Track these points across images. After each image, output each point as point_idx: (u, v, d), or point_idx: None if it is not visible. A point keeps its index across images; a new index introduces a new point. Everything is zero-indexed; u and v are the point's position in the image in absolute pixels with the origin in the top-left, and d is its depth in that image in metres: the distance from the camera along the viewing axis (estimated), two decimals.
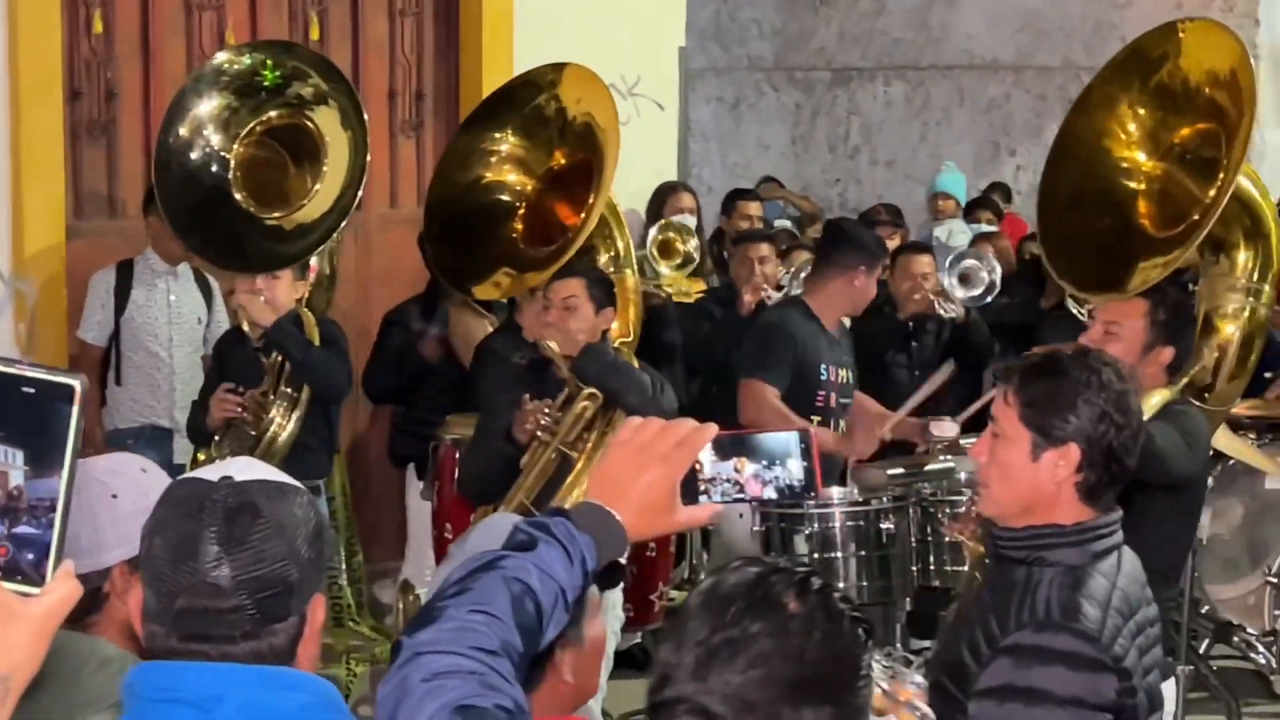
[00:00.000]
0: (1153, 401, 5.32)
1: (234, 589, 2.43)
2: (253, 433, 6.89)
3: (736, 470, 2.67)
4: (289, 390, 6.93)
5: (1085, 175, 6.19)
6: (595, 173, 6.88)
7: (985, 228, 11.04)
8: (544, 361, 6.49)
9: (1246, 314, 6.11)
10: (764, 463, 2.68)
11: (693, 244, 9.03)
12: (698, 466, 2.67)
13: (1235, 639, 7.86)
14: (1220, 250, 6.13)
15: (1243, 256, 6.10)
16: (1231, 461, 7.73)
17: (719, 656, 2.34)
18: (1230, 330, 6.10)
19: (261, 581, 2.45)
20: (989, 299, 8.93)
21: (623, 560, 2.68)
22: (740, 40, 13.95)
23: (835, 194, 13.59)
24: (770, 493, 2.69)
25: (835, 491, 6.76)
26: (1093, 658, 3.56)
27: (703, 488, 2.67)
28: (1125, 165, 6.14)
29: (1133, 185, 6.12)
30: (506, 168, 7.14)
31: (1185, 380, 5.66)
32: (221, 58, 7.35)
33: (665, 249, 9.00)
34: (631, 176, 10.34)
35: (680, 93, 10.81)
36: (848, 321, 8.05)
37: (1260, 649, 7.60)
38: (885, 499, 6.68)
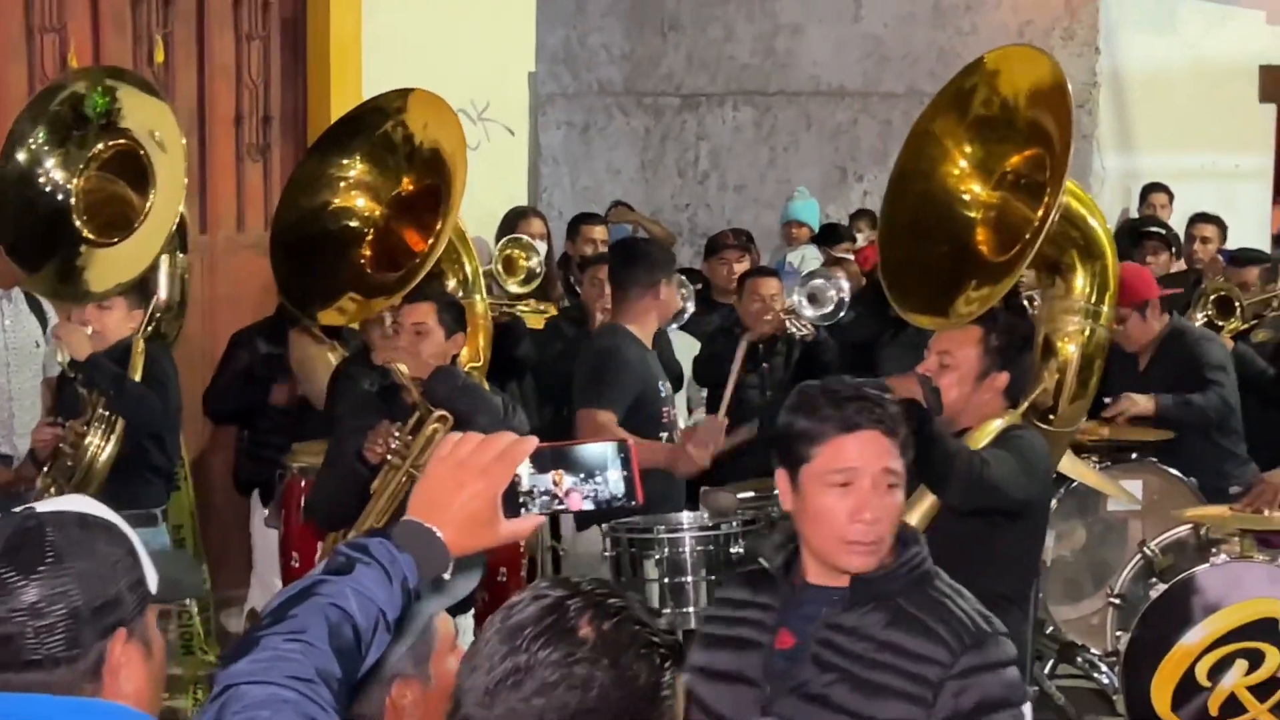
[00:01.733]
0: (990, 428, 5.39)
1: (11, 618, 2.44)
2: (70, 464, 6.82)
3: (555, 483, 2.66)
4: (106, 414, 6.86)
5: (923, 205, 6.24)
6: (443, 198, 6.86)
7: (848, 256, 11.10)
8: (395, 387, 6.46)
9: (1085, 335, 6.20)
10: (582, 475, 2.66)
11: (535, 260, 9.02)
12: (516, 479, 2.65)
13: (1079, 659, 7.95)
14: (1057, 273, 6.22)
15: (1080, 278, 6.18)
16: (1075, 484, 7.84)
17: (506, 683, 2.39)
18: (1070, 352, 6.18)
19: (42, 613, 2.45)
20: (839, 317, 8.99)
21: (447, 576, 2.65)
22: (589, 65, 13.98)
23: (685, 218, 13.63)
24: (588, 504, 2.67)
25: (685, 516, 6.77)
26: None
27: (522, 500, 2.66)
28: (962, 194, 6.20)
29: (971, 214, 6.18)
30: (354, 193, 7.10)
31: (1027, 404, 5.73)
32: (55, 85, 7.29)
33: (509, 265, 8.98)
34: (481, 201, 10.32)
35: (530, 118, 10.81)
36: (693, 344, 8.10)
37: (1103, 669, 7.69)
38: (735, 523, 6.69)
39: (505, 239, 9.35)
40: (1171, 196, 12.29)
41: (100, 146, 7.14)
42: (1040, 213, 5.84)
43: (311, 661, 2.44)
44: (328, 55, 9.66)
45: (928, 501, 5.27)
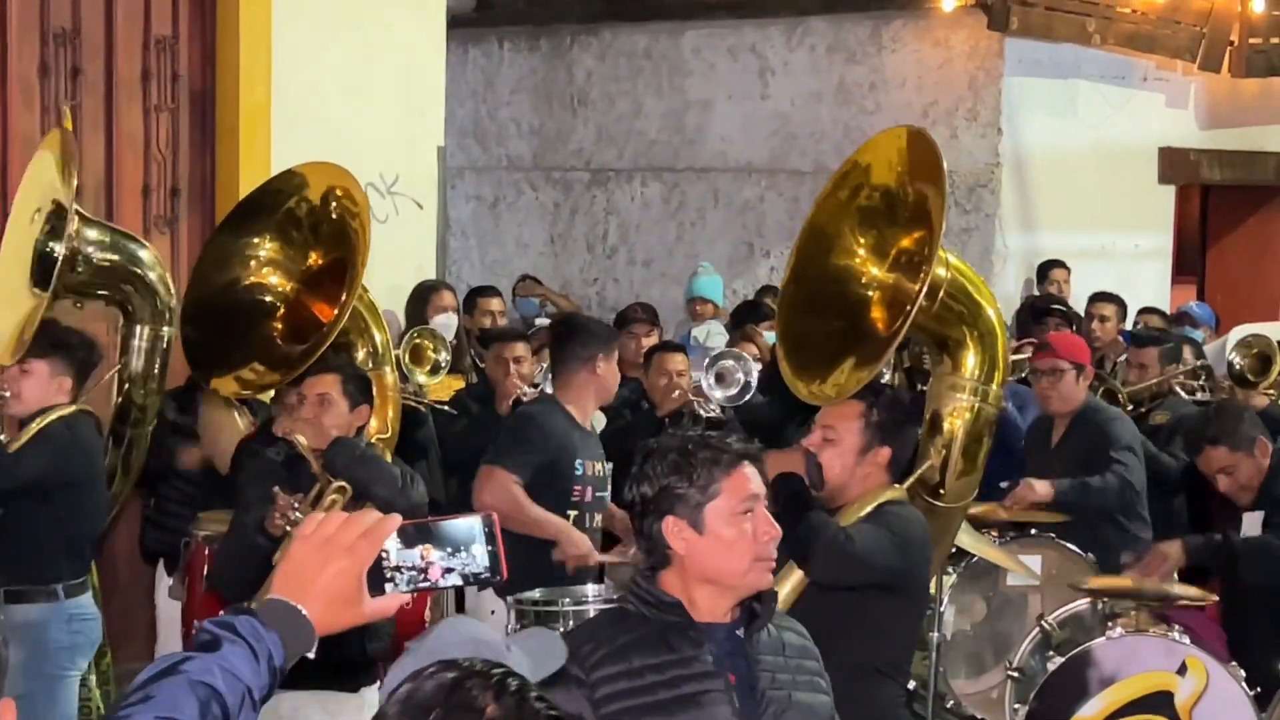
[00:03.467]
0: (866, 501, 5.45)
1: None
2: None
3: (423, 558, 2.67)
4: None
5: (822, 280, 6.31)
6: (348, 269, 6.88)
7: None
8: (299, 457, 6.47)
9: (973, 412, 6.27)
10: (449, 549, 2.68)
11: (444, 356, 9.06)
12: (384, 555, 2.67)
13: None
14: (945, 350, 6.30)
15: (970, 356, 6.25)
16: (974, 559, 7.92)
17: None
18: (956, 427, 6.25)
19: None
20: (745, 399, 9.05)
21: (311, 655, 2.66)
22: (499, 139, 14.08)
23: (594, 292, 13.72)
24: (455, 579, 2.68)
25: (590, 589, 6.81)
26: None
27: (389, 575, 2.67)
28: (859, 273, 6.27)
29: (868, 293, 6.25)
30: (265, 270, 7.09)
31: (913, 480, 5.80)
32: None
33: (416, 355, 9.01)
34: (390, 275, 10.34)
35: (439, 191, 10.86)
36: (600, 418, 8.13)
37: None
38: None
39: (414, 329, 9.36)
40: (1069, 271, 12.47)
41: None
42: (916, 286, 5.92)
43: None
44: (237, 128, 9.67)
45: (796, 575, 5.35)
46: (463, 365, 9.93)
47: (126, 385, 7.44)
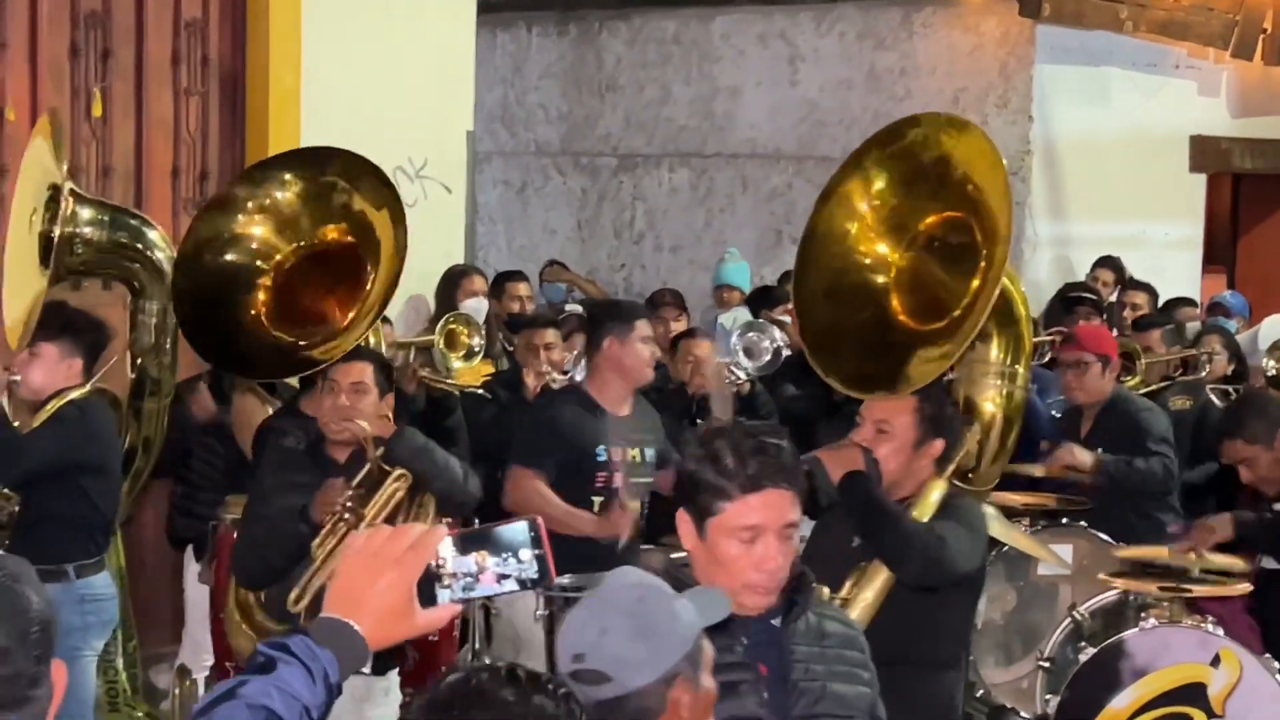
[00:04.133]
0: (932, 499, 5.39)
1: None
2: None
3: (478, 564, 2.67)
4: None
5: (838, 270, 6.19)
6: (368, 256, 6.83)
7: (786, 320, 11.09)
8: (322, 443, 6.45)
9: (1004, 396, 6.25)
10: (500, 556, 2.67)
11: (477, 339, 9.03)
12: (440, 563, 2.67)
13: None
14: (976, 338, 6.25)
15: (996, 342, 6.22)
16: (1005, 548, 7.88)
17: None
18: (990, 413, 6.22)
19: None
20: (777, 365, 9.02)
21: (366, 670, 2.71)
22: (527, 124, 14.05)
23: (620, 278, 13.69)
24: (508, 585, 2.68)
25: None
26: None
27: (446, 582, 2.67)
28: (872, 259, 6.15)
29: (881, 279, 6.12)
30: (260, 234, 7.05)
31: (952, 468, 5.77)
32: None
33: (451, 340, 8.99)
34: (419, 259, 10.28)
35: (468, 176, 10.84)
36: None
37: None
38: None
39: (450, 315, 9.34)
40: (1116, 275, 12.30)
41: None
42: (977, 285, 5.81)
43: None
44: (266, 111, 9.66)
45: (883, 575, 5.28)
46: (492, 350, 9.91)
47: (139, 360, 7.40)
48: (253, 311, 6.93)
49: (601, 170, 13.97)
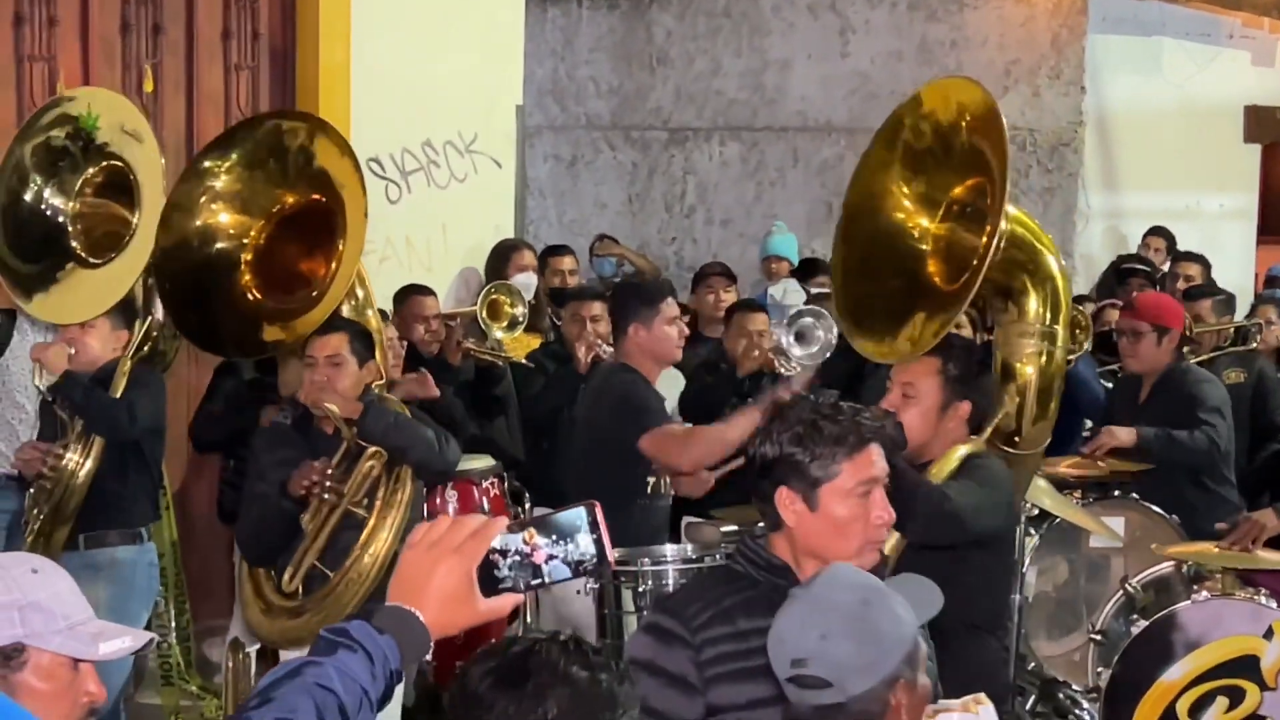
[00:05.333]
0: (954, 458, 5.45)
1: None
2: (48, 486, 6.85)
3: (526, 542, 2.68)
4: (83, 431, 6.91)
5: (873, 242, 6.32)
6: (336, 214, 6.83)
7: (825, 290, 11.10)
8: (307, 418, 6.48)
9: (1043, 357, 6.24)
10: (554, 537, 2.68)
11: (520, 309, 9.03)
12: (496, 554, 2.69)
13: (1060, 695, 7.96)
14: (1009, 298, 6.25)
15: (1033, 302, 6.22)
16: (1057, 520, 7.85)
17: None
18: (1029, 374, 6.22)
19: None
20: (825, 357, 8.98)
21: (428, 656, 2.74)
22: (578, 98, 14.02)
23: (671, 252, 13.66)
24: (565, 571, 2.69)
25: (669, 549, 6.77)
26: None
27: (503, 575, 2.68)
28: (910, 228, 6.28)
29: (920, 246, 6.26)
30: (225, 211, 7.09)
31: (990, 430, 5.77)
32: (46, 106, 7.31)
33: (494, 310, 8.99)
34: (469, 233, 10.36)
35: (517, 150, 10.84)
36: (679, 380, 8.08)
37: (1084, 705, 7.69)
38: (718, 555, 6.69)
39: (491, 284, 9.35)
40: (1168, 242, 12.29)
41: (91, 170, 7.17)
42: (984, 240, 5.91)
43: None
44: (316, 87, 9.67)
45: (893, 538, 5.27)
46: (541, 324, 9.91)
47: (154, 334, 7.43)
48: (245, 295, 6.98)
49: (652, 144, 13.94)
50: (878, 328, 6.17)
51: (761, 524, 4.09)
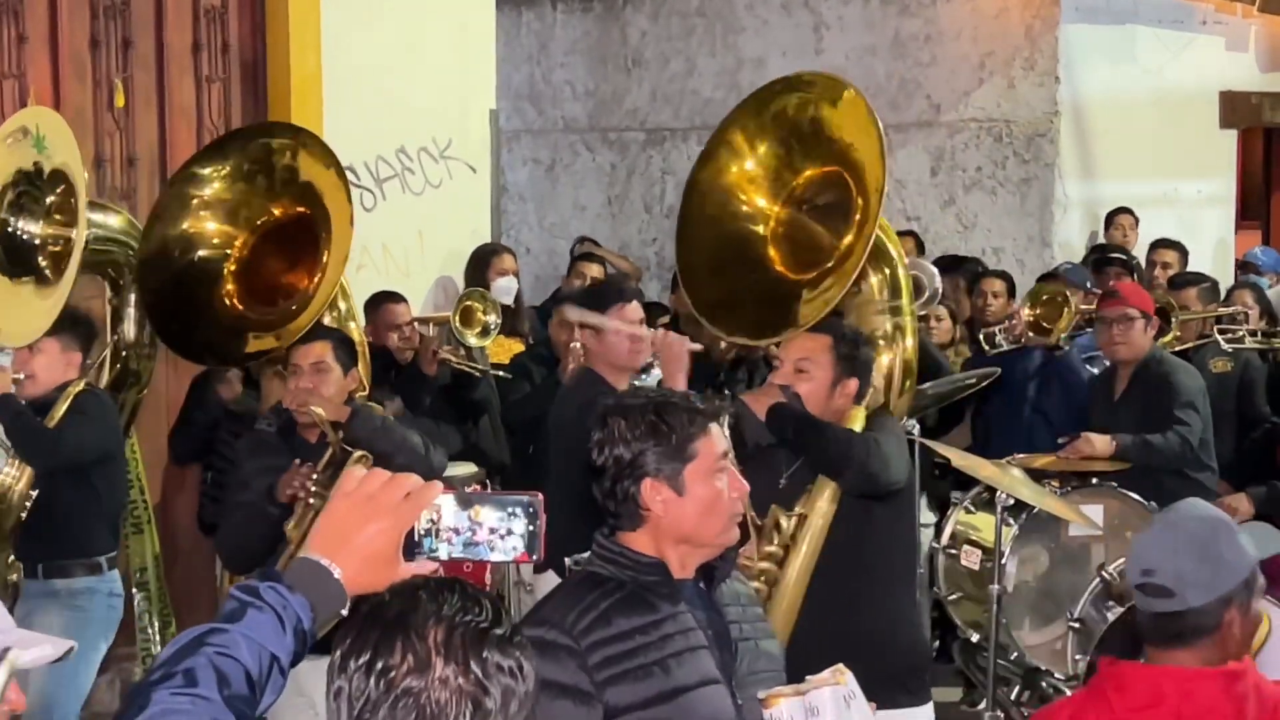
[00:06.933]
0: (858, 418, 5.70)
1: None
2: None
3: (473, 526, 2.67)
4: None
5: (717, 239, 6.54)
6: (320, 226, 6.86)
7: None
8: (291, 427, 6.49)
9: (895, 329, 6.40)
10: (499, 523, 2.69)
11: (493, 316, 9.04)
12: (436, 518, 2.66)
13: (1043, 684, 7.97)
14: (857, 280, 6.37)
15: (874, 280, 6.41)
16: (1036, 510, 7.87)
17: None
18: (893, 350, 6.37)
19: None
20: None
21: (344, 612, 2.64)
22: (554, 102, 14.04)
23: (652, 253, 13.68)
24: (501, 554, 2.69)
25: None
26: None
27: (431, 540, 2.66)
28: (749, 212, 6.50)
29: (759, 230, 6.47)
30: (210, 220, 7.11)
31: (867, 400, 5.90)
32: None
33: (467, 317, 9.00)
34: (446, 239, 10.37)
35: (492, 154, 10.85)
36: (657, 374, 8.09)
37: (1066, 693, 7.70)
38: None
39: (466, 291, 9.35)
40: (1137, 219, 12.36)
41: (52, 197, 7.15)
42: (850, 237, 6.18)
43: (204, 712, 2.45)
44: (288, 97, 9.68)
45: (828, 491, 5.63)
46: (522, 329, 9.92)
47: (124, 354, 7.42)
48: (228, 303, 7.00)
49: (630, 145, 13.96)
50: (749, 319, 6.45)
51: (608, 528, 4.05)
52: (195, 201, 7.09)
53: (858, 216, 6.18)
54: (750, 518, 5.53)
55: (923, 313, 9.26)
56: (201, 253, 7.05)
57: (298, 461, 6.25)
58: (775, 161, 6.50)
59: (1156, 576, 3.68)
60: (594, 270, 10.55)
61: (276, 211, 7.07)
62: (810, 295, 6.13)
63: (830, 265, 6.19)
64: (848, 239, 6.22)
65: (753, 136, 6.52)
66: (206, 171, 7.15)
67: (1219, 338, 9.63)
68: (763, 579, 5.61)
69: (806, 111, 6.51)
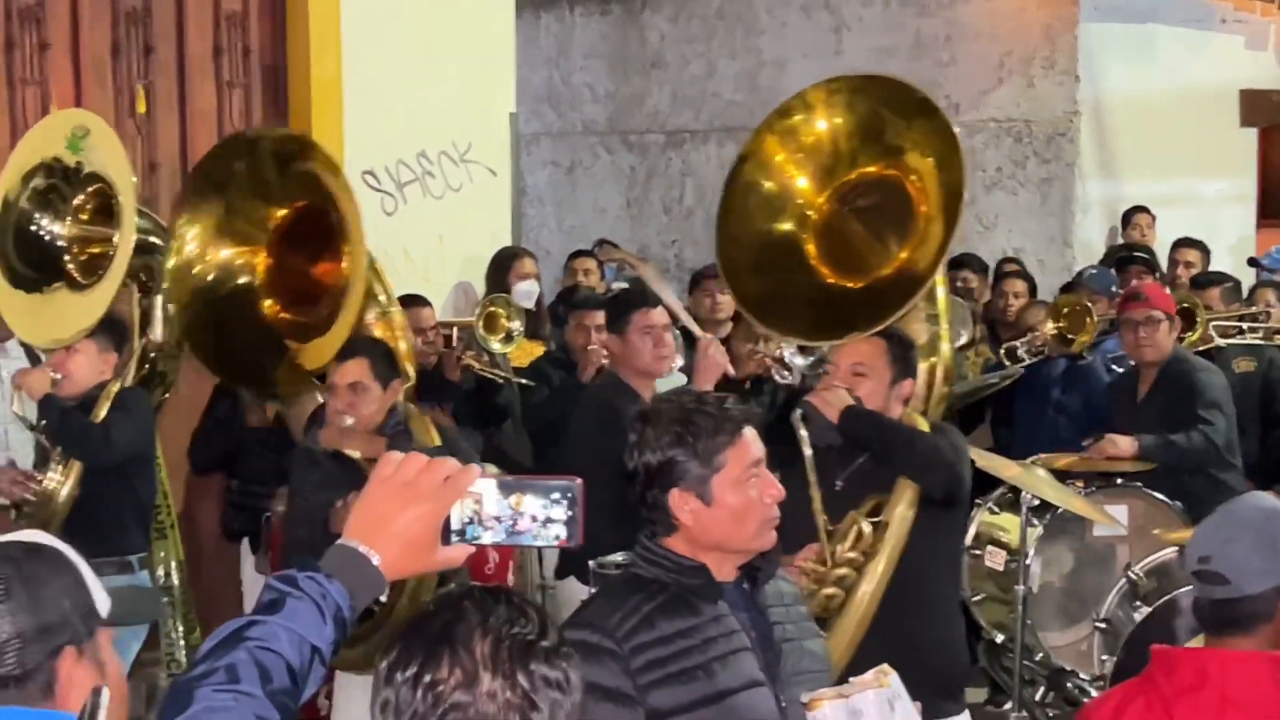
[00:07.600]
0: (923, 423, 5.75)
1: None
2: (30, 512, 6.88)
3: (514, 512, 2.65)
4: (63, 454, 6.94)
5: (760, 239, 6.55)
6: (335, 222, 6.86)
7: None
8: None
9: (933, 340, 6.40)
10: (539, 509, 2.66)
11: (517, 324, 9.03)
12: (477, 504, 2.64)
13: (1068, 684, 7.96)
14: None
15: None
16: (1060, 511, 7.85)
17: None
18: (932, 360, 6.35)
19: None
20: (824, 368, 8.98)
21: (383, 599, 2.64)
22: (574, 104, 14.05)
23: (671, 255, 13.68)
24: (541, 540, 2.66)
25: None
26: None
27: (468, 526, 2.64)
28: (798, 203, 6.50)
29: (800, 226, 6.47)
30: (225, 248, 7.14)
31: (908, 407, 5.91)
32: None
33: (490, 323, 8.99)
34: (466, 243, 10.37)
35: (512, 158, 10.85)
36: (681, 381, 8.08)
37: (1092, 694, 7.68)
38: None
39: (489, 296, 9.34)
40: (1154, 217, 12.34)
41: (81, 196, 7.18)
42: (914, 248, 6.21)
43: (248, 709, 2.44)
44: (309, 101, 9.69)
45: (907, 495, 5.58)
46: (543, 333, 9.91)
47: (153, 355, 7.44)
48: (272, 319, 7.01)
49: (650, 147, 13.96)
50: (805, 315, 6.43)
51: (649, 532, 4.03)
52: (203, 236, 7.12)
53: (920, 232, 6.18)
54: (822, 522, 5.55)
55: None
56: (232, 281, 7.08)
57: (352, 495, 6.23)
58: (832, 151, 6.47)
59: (1213, 563, 3.73)
60: (589, 266, 10.55)
61: (282, 211, 7.06)
62: (867, 301, 6.09)
63: (888, 274, 6.16)
64: (904, 252, 6.21)
65: (820, 116, 6.49)
66: (199, 206, 7.20)
67: (1242, 340, 9.59)
68: (838, 585, 5.57)
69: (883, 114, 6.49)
